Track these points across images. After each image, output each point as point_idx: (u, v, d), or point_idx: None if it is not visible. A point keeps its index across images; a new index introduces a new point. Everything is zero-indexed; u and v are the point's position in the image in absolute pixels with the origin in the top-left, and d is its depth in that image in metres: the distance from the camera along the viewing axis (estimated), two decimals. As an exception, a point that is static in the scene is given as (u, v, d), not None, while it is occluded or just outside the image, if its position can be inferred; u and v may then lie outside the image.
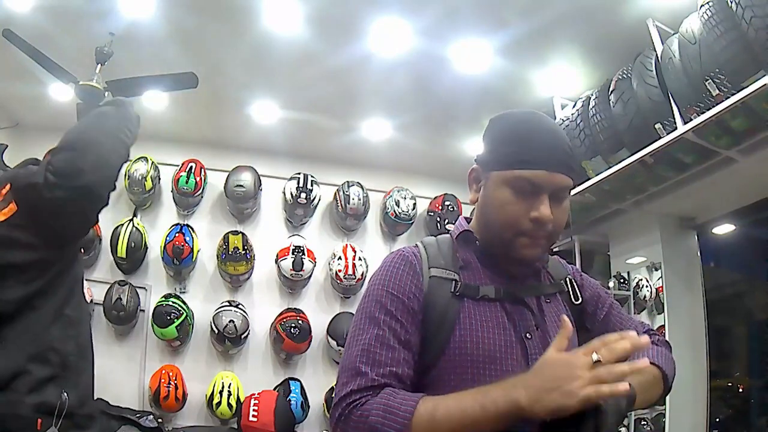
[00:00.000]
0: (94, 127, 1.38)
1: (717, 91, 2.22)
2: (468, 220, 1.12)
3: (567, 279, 1.11)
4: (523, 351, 0.97)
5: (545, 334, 1.00)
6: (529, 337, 0.98)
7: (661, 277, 3.30)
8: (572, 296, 1.10)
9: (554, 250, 4.01)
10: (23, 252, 1.21)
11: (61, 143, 1.30)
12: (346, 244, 4.01)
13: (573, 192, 3.09)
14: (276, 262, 3.85)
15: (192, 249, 3.67)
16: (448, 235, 1.10)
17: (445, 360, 0.94)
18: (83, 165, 1.25)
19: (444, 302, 0.97)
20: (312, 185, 3.96)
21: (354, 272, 3.87)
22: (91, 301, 3.44)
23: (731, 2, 2.09)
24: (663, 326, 3.23)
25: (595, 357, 0.79)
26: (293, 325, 3.69)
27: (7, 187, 1.26)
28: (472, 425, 0.83)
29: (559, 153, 0.98)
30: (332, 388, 3.74)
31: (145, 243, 3.71)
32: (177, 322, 3.50)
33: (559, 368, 0.80)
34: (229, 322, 3.58)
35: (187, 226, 3.78)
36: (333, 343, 3.77)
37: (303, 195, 3.93)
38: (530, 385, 0.81)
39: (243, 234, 3.80)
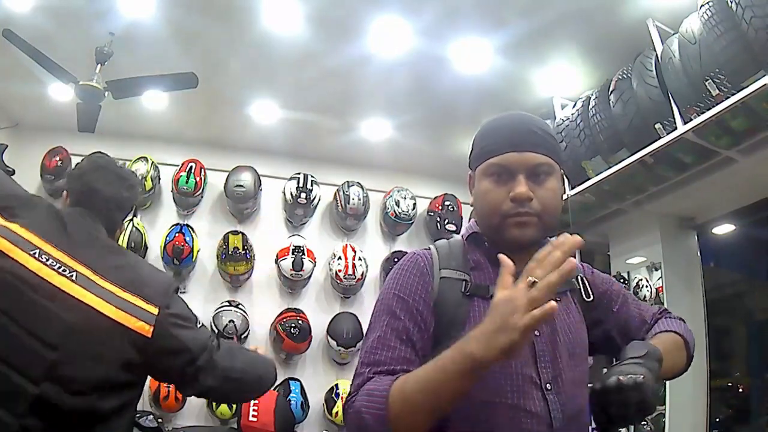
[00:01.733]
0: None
1: (717, 91, 2.22)
2: (477, 223, 1.15)
3: (578, 277, 1.12)
4: (531, 349, 0.97)
5: (554, 332, 1.01)
6: (538, 334, 0.99)
7: (661, 277, 3.30)
8: (583, 294, 1.11)
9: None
10: (127, 374, 1.24)
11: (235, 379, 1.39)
12: (346, 244, 4.01)
13: (573, 192, 3.11)
14: (276, 262, 3.85)
15: (192, 249, 3.67)
16: (459, 238, 1.13)
17: None
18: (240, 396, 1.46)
19: (455, 302, 1.00)
20: (312, 185, 3.97)
21: (354, 272, 3.87)
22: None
23: (731, 2, 2.09)
24: (663, 326, 3.23)
25: (530, 279, 0.78)
26: (293, 325, 3.69)
27: (157, 310, 1.25)
28: (439, 389, 0.84)
29: (527, 134, 1.02)
30: (332, 388, 3.74)
31: (145, 243, 3.70)
32: (177, 322, 3.50)
33: (501, 306, 0.79)
34: (229, 322, 3.59)
35: (187, 226, 3.78)
36: (333, 343, 3.77)
37: (303, 195, 3.93)
38: (479, 333, 0.80)
39: (243, 234, 3.80)
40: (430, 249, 1.09)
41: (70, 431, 1.15)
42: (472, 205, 1.11)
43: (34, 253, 1.16)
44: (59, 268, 1.18)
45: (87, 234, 1.30)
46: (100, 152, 1.51)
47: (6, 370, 1.09)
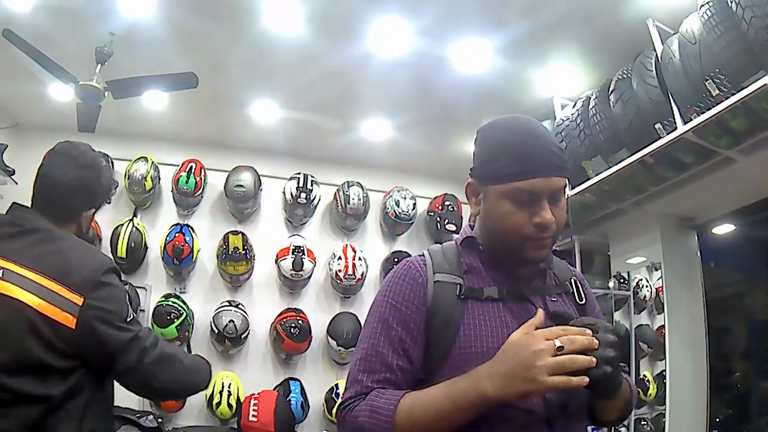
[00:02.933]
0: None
1: (717, 91, 2.21)
2: (472, 226, 1.15)
3: (572, 280, 1.14)
4: None
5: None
6: None
7: (661, 277, 3.30)
8: (577, 297, 1.12)
9: (554, 249, 4.00)
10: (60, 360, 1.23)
11: (167, 383, 1.35)
12: (346, 244, 4.02)
13: (573, 192, 3.11)
14: (276, 262, 3.85)
15: (192, 249, 3.67)
16: (452, 243, 1.14)
17: (452, 360, 0.97)
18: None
19: (449, 305, 1.01)
20: (312, 185, 3.97)
21: (354, 272, 3.87)
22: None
23: (731, 2, 2.09)
24: (663, 326, 3.23)
25: (557, 343, 0.83)
26: (293, 325, 3.69)
27: (81, 300, 1.22)
28: (447, 417, 0.89)
29: (550, 156, 1.00)
30: (332, 388, 3.74)
31: (145, 243, 3.71)
32: (177, 322, 3.50)
33: (522, 352, 0.84)
34: (229, 322, 3.59)
35: (187, 226, 3.78)
36: (333, 343, 3.77)
37: (303, 195, 3.93)
38: (495, 373, 0.86)
39: (243, 234, 3.80)
40: (423, 255, 1.10)
41: (25, 415, 1.16)
42: (475, 214, 1.10)
43: None
44: None
45: (17, 227, 1.29)
46: (69, 141, 1.45)
47: None
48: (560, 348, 0.83)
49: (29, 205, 1.38)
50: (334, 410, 3.66)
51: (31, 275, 1.21)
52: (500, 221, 1.03)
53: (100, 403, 1.30)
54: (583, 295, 1.12)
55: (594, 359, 0.83)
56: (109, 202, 3.59)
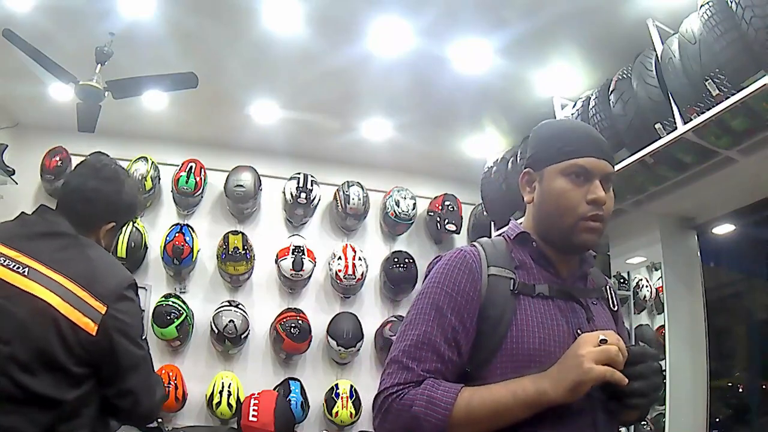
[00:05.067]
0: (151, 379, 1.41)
1: (717, 91, 2.21)
2: (521, 224, 1.18)
3: (607, 286, 1.19)
4: None
5: (596, 330, 1.02)
6: (581, 332, 1.00)
7: (661, 277, 3.29)
8: (611, 303, 1.16)
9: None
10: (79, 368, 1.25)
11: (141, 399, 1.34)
12: (346, 244, 4.01)
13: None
14: (276, 262, 3.85)
15: (192, 249, 3.67)
16: (500, 237, 1.15)
17: (503, 354, 0.98)
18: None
19: (503, 299, 1.01)
20: (312, 185, 3.97)
21: (354, 272, 3.87)
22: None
23: (731, 2, 2.09)
24: (663, 326, 3.23)
25: (601, 336, 0.89)
26: (293, 325, 3.69)
27: (104, 309, 1.25)
28: (504, 411, 0.91)
29: (602, 143, 1.10)
30: (332, 388, 3.74)
31: (145, 243, 3.71)
32: (177, 322, 3.51)
33: (571, 349, 0.91)
34: (229, 322, 3.59)
35: (187, 226, 3.78)
36: (333, 343, 3.77)
37: (303, 195, 3.93)
38: (554, 373, 0.90)
39: (243, 234, 3.80)
40: (475, 246, 1.10)
41: (36, 417, 1.17)
42: (527, 203, 1.14)
43: None
44: (13, 266, 1.21)
45: (44, 229, 1.30)
46: (99, 152, 1.50)
47: None
48: (603, 341, 0.88)
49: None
50: (334, 410, 3.66)
51: (57, 277, 1.22)
52: (556, 199, 1.06)
53: (106, 415, 1.31)
54: (616, 303, 1.17)
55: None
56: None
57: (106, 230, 1.43)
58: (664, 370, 3.16)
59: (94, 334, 1.21)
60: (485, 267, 1.04)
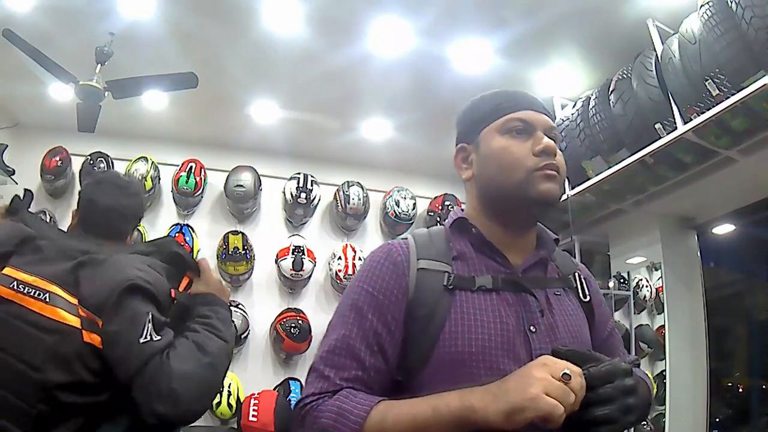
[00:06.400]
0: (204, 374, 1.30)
1: (717, 91, 2.21)
2: (462, 210, 1.04)
3: (576, 274, 1.02)
4: (527, 346, 0.87)
5: (553, 328, 0.91)
6: (534, 330, 0.89)
7: (661, 277, 3.30)
8: (581, 293, 1.00)
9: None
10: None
11: (171, 392, 1.22)
12: (346, 244, 4.01)
13: (573, 192, 3.11)
14: (276, 262, 3.85)
15: (192, 249, 3.67)
16: (441, 227, 1.02)
17: (435, 360, 0.85)
18: (189, 415, 1.24)
19: (434, 297, 0.88)
20: (312, 185, 3.97)
21: (354, 272, 3.86)
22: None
23: (731, 2, 2.09)
24: (663, 326, 3.23)
25: (565, 370, 0.71)
26: (293, 325, 3.69)
27: (100, 323, 1.24)
28: (424, 429, 0.77)
29: (537, 100, 1.02)
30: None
31: (145, 243, 3.70)
32: (177, 322, 3.50)
33: (523, 369, 0.74)
34: (229, 322, 3.58)
35: (187, 226, 3.78)
36: (333, 343, 3.77)
37: (303, 195, 3.93)
38: (492, 388, 0.74)
39: (243, 234, 3.80)
40: (407, 239, 0.98)
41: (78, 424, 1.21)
42: (466, 181, 1.02)
43: (12, 286, 1.25)
44: (34, 293, 1.25)
45: (62, 251, 1.33)
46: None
47: (7, 395, 1.18)
48: (567, 375, 0.71)
49: (66, 229, 1.51)
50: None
51: (71, 299, 1.25)
52: (498, 158, 0.95)
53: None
54: (587, 292, 1.01)
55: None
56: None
57: (132, 237, 1.58)
58: (664, 372, 3.16)
59: (101, 347, 1.24)
60: (414, 261, 0.92)
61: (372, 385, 0.86)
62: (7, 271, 1.27)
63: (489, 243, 0.95)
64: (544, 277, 0.98)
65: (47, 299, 1.25)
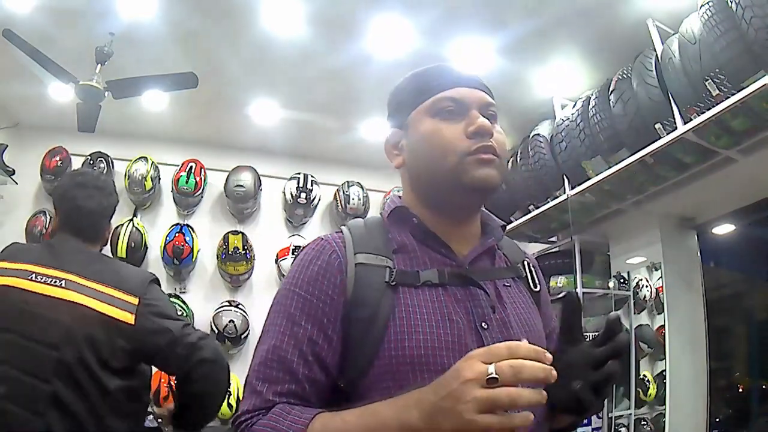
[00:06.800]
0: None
1: (717, 91, 2.21)
2: (400, 198, 0.96)
3: (525, 262, 0.96)
4: (479, 344, 0.80)
5: (506, 323, 0.84)
6: (486, 327, 0.82)
7: (661, 277, 3.30)
8: (531, 282, 0.94)
9: (555, 250, 4.01)
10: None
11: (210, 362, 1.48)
12: (346, 244, 4.01)
13: (573, 192, 3.11)
14: (276, 262, 3.85)
15: (192, 249, 3.67)
16: (378, 216, 0.94)
17: (380, 364, 0.77)
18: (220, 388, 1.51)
19: (376, 294, 0.80)
20: (312, 185, 3.97)
21: (354, 272, 3.86)
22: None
23: (731, 2, 2.09)
24: (663, 326, 3.23)
25: (491, 371, 0.61)
26: (293, 325, 3.69)
27: (137, 300, 1.44)
28: None
29: (472, 75, 0.92)
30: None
31: (145, 243, 3.70)
32: (177, 322, 3.51)
33: (453, 381, 0.63)
34: (229, 322, 3.59)
35: (187, 226, 3.78)
36: (333, 343, 3.77)
37: (303, 195, 3.93)
38: (426, 401, 0.65)
39: (243, 234, 3.80)
40: (341, 231, 0.89)
41: (93, 407, 1.34)
42: (398, 168, 0.95)
43: (31, 277, 1.39)
44: (51, 281, 1.40)
45: (72, 250, 1.51)
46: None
47: (20, 376, 1.31)
48: (493, 380, 0.60)
49: (47, 231, 1.69)
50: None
51: (91, 284, 1.41)
52: (428, 141, 0.86)
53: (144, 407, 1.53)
54: (537, 282, 0.95)
55: (544, 395, 0.62)
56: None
57: (109, 230, 1.70)
58: (664, 372, 3.16)
59: (133, 323, 1.39)
60: (351, 255, 0.83)
61: (309, 397, 0.78)
62: (22, 266, 1.42)
63: (432, 233, 0.88)
64: (492, 267, 0.91)
65: (64, 285, 1.40)
